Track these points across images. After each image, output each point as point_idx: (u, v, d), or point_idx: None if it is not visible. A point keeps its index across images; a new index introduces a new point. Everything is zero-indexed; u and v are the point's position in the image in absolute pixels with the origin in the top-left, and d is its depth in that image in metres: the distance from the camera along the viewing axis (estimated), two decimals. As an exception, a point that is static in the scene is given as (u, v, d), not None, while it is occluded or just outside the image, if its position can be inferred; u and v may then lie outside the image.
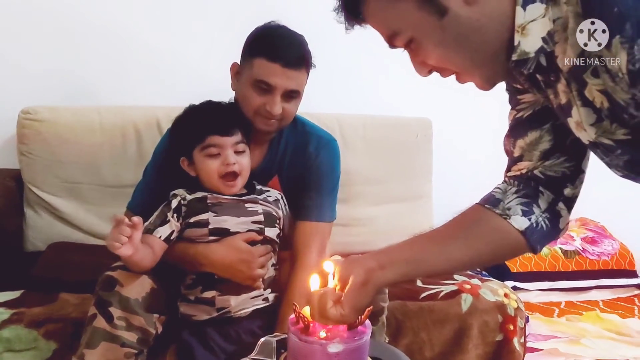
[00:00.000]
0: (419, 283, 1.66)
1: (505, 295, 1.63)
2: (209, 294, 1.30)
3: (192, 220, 1.31)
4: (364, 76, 2.27)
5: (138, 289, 1.23)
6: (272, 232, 1.37)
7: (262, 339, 1.05)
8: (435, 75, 2.18)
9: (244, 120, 1.37)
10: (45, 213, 1.85)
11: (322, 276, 1.00)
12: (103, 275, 1.24)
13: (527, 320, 1.71)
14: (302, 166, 1.48)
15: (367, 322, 0.97)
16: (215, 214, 1.32)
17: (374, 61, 2.19)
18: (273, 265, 1.39)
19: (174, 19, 2.11)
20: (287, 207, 1.44)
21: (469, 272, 1.76)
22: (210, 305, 1.30)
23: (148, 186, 1.47)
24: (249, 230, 1.33)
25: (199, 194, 1.34)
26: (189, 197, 1.33)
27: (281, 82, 1.34)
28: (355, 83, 2.26)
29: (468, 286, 1.63)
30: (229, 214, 1.33)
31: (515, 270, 2.28)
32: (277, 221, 1.39)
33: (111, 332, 1.18)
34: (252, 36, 1.40)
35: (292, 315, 0.96)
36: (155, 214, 1.32)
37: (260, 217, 1.35)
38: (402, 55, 2.17)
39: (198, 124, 1.34)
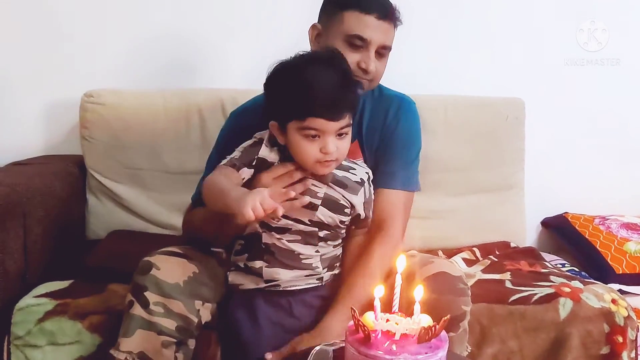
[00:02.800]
0: (508, 284, 1.45)
1: (613, 301, 1.39)
2: (256, 264, 1.17)
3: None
4: (443, 51, 2.04)
5: (177, 273, 1.13)
6: (324, 216, 1.17)
7: (317, 347, 0.89)
8: (525, 49, 1.88)
9: (354, 91, 1.14)
10: (107, 200, 1.79)
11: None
12: (142, 259, 1.14)
13: (638, 330, 1.46)
14: (383, 131, 1.34)
15: (444, 334, 0.80)
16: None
17: (455, 34, 2.03)
18: (336, 245, 1.21)
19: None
20: (371, 189, 1.24)
21: (568, 273, 1.53)
22: (258, 275, 1.17)
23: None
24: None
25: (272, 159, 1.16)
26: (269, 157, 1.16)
27: (377, 36, 1.25)
28: (435, 59, 2.04)
29: (567, 289, 1.40)
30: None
31: (621, 272, 1.99)
32: (344, 209, 1.19)
33: (147, 319, 1.09)
34: None
35: (350, 322, 0.79)
36: (242, 148, 1.16)
37: (317, 201, 1.15)
38: (486, 28, 1.98)
39: (300, 99, 1.08)
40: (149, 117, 1.77)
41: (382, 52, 1.28)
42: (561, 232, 2.14)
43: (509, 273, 1.53)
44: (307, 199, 1.08)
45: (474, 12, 2.02)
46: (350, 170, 1.21)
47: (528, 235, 2.13)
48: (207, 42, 1.96)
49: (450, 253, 1.79)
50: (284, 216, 1.09)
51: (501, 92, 1.97)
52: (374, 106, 1.36)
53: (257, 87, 1.22)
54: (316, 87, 1.07)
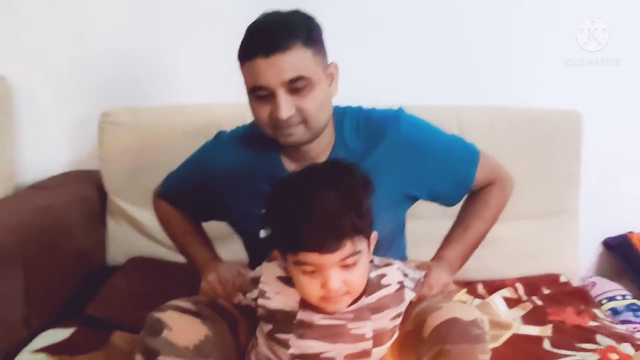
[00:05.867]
0: (546, 344, 1.28)
1: None
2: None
3: (269, 329, 1.06)
4: (488, 58, 1.88)
5: (190, 335, 1.02)
6: (383, 349, 1.05)
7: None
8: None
9: (358, 212, 0.94)
10: (127, 224, 1.73)
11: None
12: (151, 315, 1.03)
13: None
14: (399, 163, 1.18)
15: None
16: (299, 338, 1.03)
17: (500, 40, 1.88)
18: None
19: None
20: (413, 284, 1.09)
21: (619, 329, 1.34)
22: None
23: (182, 181, 1.34)
24: (347, 357, 1.03)
25: (287, 306, 1.03)
26: (271, 305, 1.05)
27: (272, 76, 1.05)
28: (478, 66, 1.88)
29: (615, 356, 1.22)
30: (320, 338, 1.02)
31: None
32: (393, 334, 1.06)
33: None
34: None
35: None
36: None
37: (367, 345, 1.02)
38: (535, 34, 1.78)
39: (286, 230, 0.94)
40: (167, 136, 1.68)
41: (297, 86, 1.07)
42: (623, 254, 1.96)
43: (550, 326, 1.37)
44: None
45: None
46: (381, 282, 1.04)
47: (587, 258, 1.98)
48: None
49: (491, 287, 1.64)
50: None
51: (552, 102, 1.79)
52: (368, 142, 1.20)
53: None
54: (301, 214, 0.91)
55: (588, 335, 1.32)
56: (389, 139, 1.19)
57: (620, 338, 1.30)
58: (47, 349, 1.23)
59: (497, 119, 1.72)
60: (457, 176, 1.25)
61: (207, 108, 1.73)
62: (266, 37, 1.06)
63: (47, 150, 1.89)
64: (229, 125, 1.65)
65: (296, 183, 0.97)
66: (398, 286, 1.05)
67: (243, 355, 1.13)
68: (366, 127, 1.20)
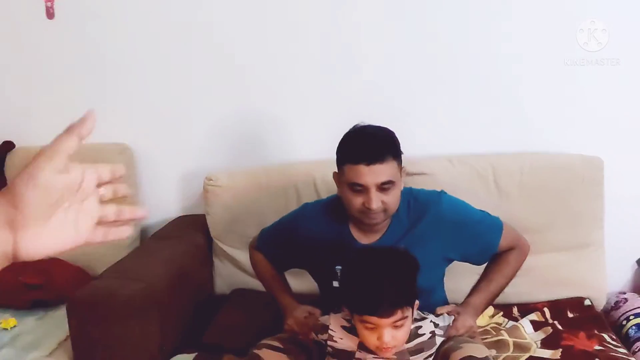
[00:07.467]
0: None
1: None
2: None
3: None
4: (519, 109, 2.14)
5: None
6: None
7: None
8: (603, 108, 2.08)
9: (406, 288, 1.32)
10: (229, 263, 2.18)
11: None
12: (252, 352, 1.47)
13: None
14: (439, 233, 1.56)
15: None
16: None
17: (529, 91, 2.11)
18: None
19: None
20: (443, 331, 1.46)
21: (619, 355, 1.63)
22: None
23: (273, 239, 1.75)
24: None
25: (348, 347, 1.42)
26: (337, 346, 1.44)
27: (371, 179, 1.43)
28: (512, 117, 2.15)
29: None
30: None
31: None
32: None
33: None
34: (339, 145, 1.51)
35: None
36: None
37: None
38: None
39: (356, 296, 1.32)
40: (255, 193, 2.11)
41: (385, 187, 1.45)
42: None
43: (560, 350, 1.68)
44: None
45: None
46: (418, 332, 1.41)
47: (623, 276, 2.22)
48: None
49: (525, 309, 1.96)
50: None
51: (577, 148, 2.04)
52: (414, 221, 1.57)
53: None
54: (369, 289, 1.29)
55: (590, 359, 1.61)
56: (432, 214, 1.57)
57: (613, 360, 1.59)
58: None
59: (527, 168, 2.00)
60: (485, 243, 1.62)
61: (284, 169, 2.15)
62: (369, 150, 1.45)
63: (162, 200, 2.37)
64: (303, 185, 2.07)
65: (364, 265, 1.35)
66: (430, 335, 1.43)
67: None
68: (415, 205, 1.59)
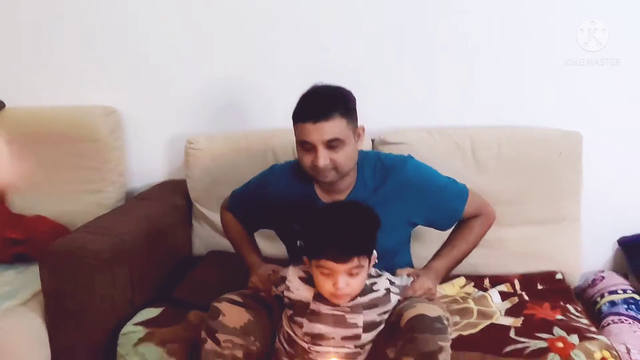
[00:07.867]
0: (512, 333, 1.60)
1: (603, 359, 1.47)
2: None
3: (290, 313, 1.48)
4: (497, 83, 2.14)
5: (237, 318, 1.46)
6: (370, 335, 1.44)
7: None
8: (582, 82, 2.09)
9: (365, 237, 1.36)
10: (207, 225, 2.21)
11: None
12: (212, 305, 1.50)
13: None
14: (404, 197, 1.57)
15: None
16: (310, 321, 1.44)
17: (510, 66, 2.11)
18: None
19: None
20: (399, 290, 1.48)
21: (579, 326, 1.62)
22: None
23: (243, 200, 1.77)
24: (343, 338, 1.43)
25: (303, 298, 1.45)
26: (292, 296, 1.47)
27: (317, 137, 1.46)
28: (489, 90, 2.14)
29: (560, 344, 1.51)
30: (325, 323, 1.42)
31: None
32: (380, 324, 1.44)
33: (221, 352, 1.44)
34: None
35: None
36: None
37: (358, 331, 1.43)
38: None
39: (315, 240, 1.37)
40: (234, 157, 2.14)
41: (333, 144, 1.47)
42: (633, 252, 2.14)
43: (522, 319, 1.67)
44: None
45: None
46: (373, 288, 1.44)
47: (604, 256, 2.22)
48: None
49: (497, 280, 1.96)
50: (326, 344, 1.42)
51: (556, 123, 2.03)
52: (380, 180, 1.58)
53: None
54: (327, 235, 1.34)
55: (548, 327, 1.60)
56: (397, 178, 1.58)
57: (574, 330, 1.57)
58: (143, 323, 1.73)
59: (505, 140, 2.00)
60: (449, 209, 1.63)
61: (263, 135, 2.16)
62: (315, 108, 1.48)
63: (148, 164, 2.41)
64: (281, 150, 2.09)
65: (326, 213, 1.40)
66: (385, 292, 1.44)
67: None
68: (381, 168, 1.60)
